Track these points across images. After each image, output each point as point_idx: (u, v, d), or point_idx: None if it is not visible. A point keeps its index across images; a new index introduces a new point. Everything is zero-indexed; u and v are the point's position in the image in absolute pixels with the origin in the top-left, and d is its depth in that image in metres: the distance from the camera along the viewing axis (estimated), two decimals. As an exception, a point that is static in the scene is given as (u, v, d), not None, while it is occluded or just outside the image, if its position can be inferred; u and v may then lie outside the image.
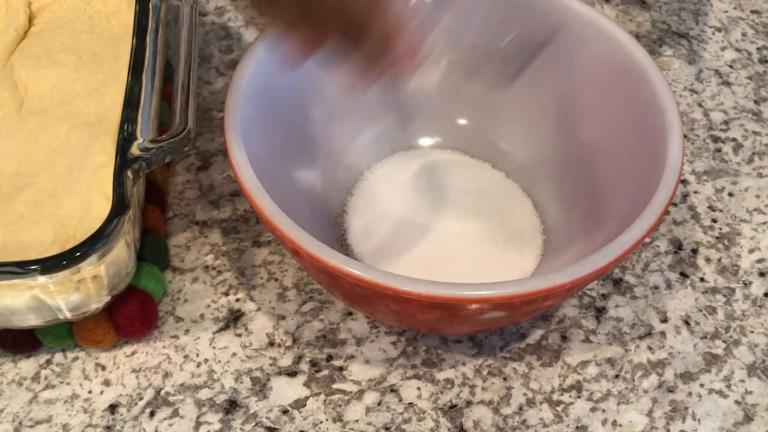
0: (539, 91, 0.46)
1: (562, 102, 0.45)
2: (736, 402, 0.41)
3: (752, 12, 0.60)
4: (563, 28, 0.44)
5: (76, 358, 0.42)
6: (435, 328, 0.40)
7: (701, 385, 0.41)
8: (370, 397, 0.40)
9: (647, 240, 0.46)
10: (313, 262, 0.34)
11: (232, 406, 0.40)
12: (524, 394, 0.41)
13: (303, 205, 0.43)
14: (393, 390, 0.41)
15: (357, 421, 0.40)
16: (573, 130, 0.45)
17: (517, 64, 0.46)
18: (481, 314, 0.36)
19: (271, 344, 0.42)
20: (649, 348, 0.42)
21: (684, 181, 0.49)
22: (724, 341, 0.43)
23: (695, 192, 0.49)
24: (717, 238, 0.47)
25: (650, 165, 0.38)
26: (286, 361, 0.42)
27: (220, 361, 0.41)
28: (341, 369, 0.41)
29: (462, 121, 0.49)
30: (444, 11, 0.46)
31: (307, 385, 0.41)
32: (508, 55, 0.46)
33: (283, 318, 0.43)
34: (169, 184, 0.48)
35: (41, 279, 0.35)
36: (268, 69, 0.41)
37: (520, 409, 0.40)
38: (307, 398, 0.40)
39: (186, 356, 0.42)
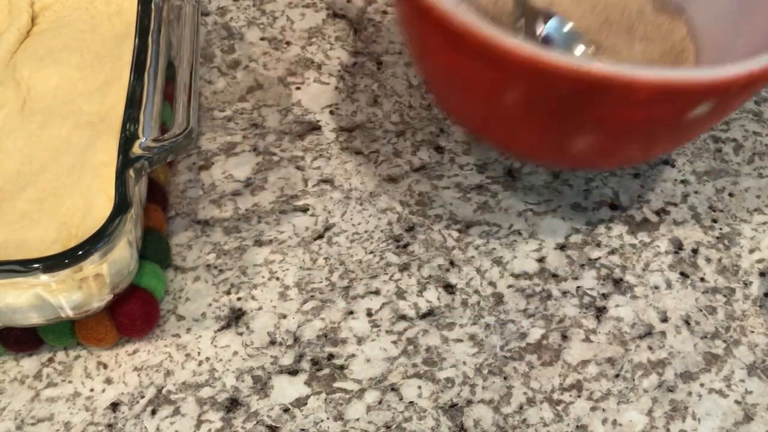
0: None
1: None
2: (736, 402, 0.41)
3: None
4: None
5: (77, 357, 0.42)
6: (605, 151, 0.38)
7: (701, 385, 0.41)
8: (371, 396, 0.41)
9: (647, 240, 0.46)
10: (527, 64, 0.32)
11: (233, 404, 0.40)
12: (524, 393, 0.41)
13: None
14: (394, 389, 0.41)
15: (358, 419, 0.40)
16: None
17: None
18: (691, 110, 0.35)
19: (273, 343, 0.42)
20: (649, 348, 0.43)
21: (684, 181, 0.50)
22: (724, 341, 0.43)
23: (696, 192, 0.49)
24: (717, 238, 0.47)
25: None
26: (287, 359, 0.42)
27: (221, 360, 0.42)
28: (342, 368, 0.41)
29: None
30: None
31: (308, 383, 0.41)
32: None
33: (285, 317, 0.43)
34: (170, 184, 0.48)
35: (43, 277, 0.35)
36: None
37: (521, 408, 0.40)
38: (308, 397, 0.40)
39: (187, 355, 0.42)
